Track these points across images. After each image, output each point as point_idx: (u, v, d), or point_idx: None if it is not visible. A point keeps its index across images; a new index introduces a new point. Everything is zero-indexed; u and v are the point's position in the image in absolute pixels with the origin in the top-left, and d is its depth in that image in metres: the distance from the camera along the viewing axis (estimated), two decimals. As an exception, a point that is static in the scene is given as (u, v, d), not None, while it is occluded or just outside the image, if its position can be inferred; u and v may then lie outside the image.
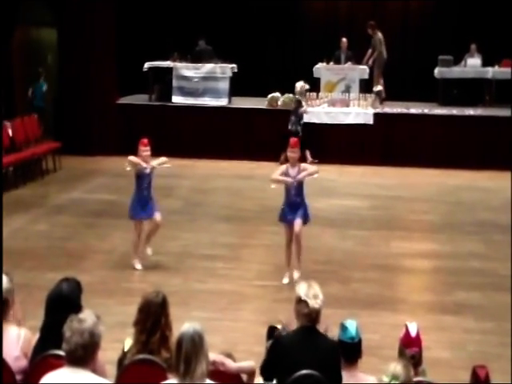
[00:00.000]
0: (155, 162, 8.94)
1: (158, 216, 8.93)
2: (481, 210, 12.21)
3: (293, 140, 8.67)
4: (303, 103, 15.49)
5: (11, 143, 14.08)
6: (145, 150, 8.82)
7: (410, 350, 4.45)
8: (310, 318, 4.46)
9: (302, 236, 8.49)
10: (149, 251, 9.07)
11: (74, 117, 16.13)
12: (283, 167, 8.64)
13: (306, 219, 8.57)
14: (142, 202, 8.88)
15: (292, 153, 8.53)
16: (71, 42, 16.19)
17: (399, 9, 18.77)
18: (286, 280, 8.50)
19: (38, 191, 13.13)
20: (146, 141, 8.89)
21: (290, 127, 15.07)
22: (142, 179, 8.86)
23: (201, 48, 16.68)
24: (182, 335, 3.88)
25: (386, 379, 3.93)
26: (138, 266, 8.91)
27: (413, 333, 4.51)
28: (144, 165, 8.78)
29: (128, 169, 8.98)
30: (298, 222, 8.44)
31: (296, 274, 8.41)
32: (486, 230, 10.92)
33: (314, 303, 4.43)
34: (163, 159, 9.10)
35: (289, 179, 8.44)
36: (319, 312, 4.46)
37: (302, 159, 14.51)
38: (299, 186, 8.50)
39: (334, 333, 4.71)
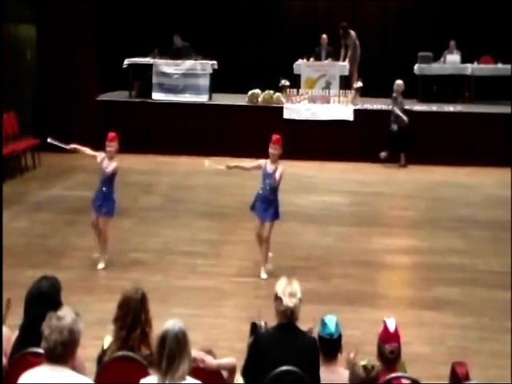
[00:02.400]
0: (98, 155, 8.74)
1: (102, 217, 8.71)
2: (460, 205, 12.28)
3: (275, 137, 8.62)
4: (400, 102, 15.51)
5: (-11, 140, 13.98)
6: (109, 146, 8.65)
7: (389, 345, 4.47)
8: (285, 315, 4.47)
9: (270, 237, 8.57)
10: (100, 265, 8.76)
11: (53, 113, 16.01)
12: (262, 161, 8.60)
13: (276, 217, 8.58)
14: (98, 197, 8.72)
15: (273, 149, 8.50)
16: (50, 39, 16.08)
17: (379, 5, 18.82)
18: (263, 275, 8.53)
19: (17, 188, 13.03)
20: (112, 135, 8.71)
21: (391, 126, 15.19)
22: (100, 174, 8.77)
23: (178, 45, 16.62)
24: (166, 332, 3.86)
25: None
26: (100, 265, 8.70)
27: (391, 328, 4.53)
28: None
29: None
30: (267, 226, 8.50)
31: (264, 275, 8.48)
32: (465, 226, 10.99)
33: (288, 301, 4.45)
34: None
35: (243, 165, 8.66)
36: (294, 310, 4.46)
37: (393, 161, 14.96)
38: (278, 180, 8.47)
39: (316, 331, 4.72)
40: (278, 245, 9.33)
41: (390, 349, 4.46)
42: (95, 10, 16.43)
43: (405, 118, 15.16)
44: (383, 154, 15.16)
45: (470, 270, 9.07)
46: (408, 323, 6.84)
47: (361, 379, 3.97)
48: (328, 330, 4.58)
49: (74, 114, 16.12)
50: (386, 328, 4.54)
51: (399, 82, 15.45)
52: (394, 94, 15.40)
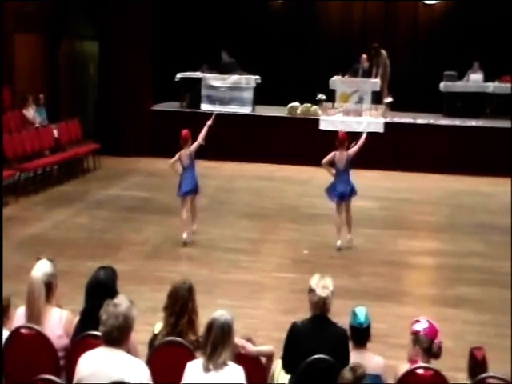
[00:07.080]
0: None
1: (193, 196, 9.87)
2: (481, 212, 12.11)
3: (342, 133, 9.91)
4: None
5: (56, 144, 14.19)
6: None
7: (438, 340, 4.51)
8: (318, 305, 4.46)
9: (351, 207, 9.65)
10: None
11: (112, 121, 16.19)
12: (331, 154, 9.63)
13: (355, 192, 9.76)
14: (193, 182, 9.78)
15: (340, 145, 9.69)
16: (111, 54, 16.27)
17: (409, 28, 18.66)
18: (339, 242, 9.42)
19: (79, 188, 13.20)
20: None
21: None
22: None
23: (225, 60, 16.69)
24: (213, 321, 3.88)
25: None
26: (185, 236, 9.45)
27: (436, 325, 4.56)
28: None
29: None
30: (349, 198, 9.65)
31: (349, 236, 9.57)
32: (485, 231, 10.82)
33: (321, 292, 4.44)
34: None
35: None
36: (326, 300, 4.44)
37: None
38: (348, 163, 9.56)
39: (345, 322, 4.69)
40: (314, 244, 9.30)
41: (438, 344, 4.47)
42: (151, 29, 16.60)
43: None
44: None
45: (489, 271, 8.93)
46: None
47: (348, 380, 3.85)
48: (358, 320, 4.58)
49: (130, 121, 16.28)
50: (432, 326, 4.53)
51: None
52: None
